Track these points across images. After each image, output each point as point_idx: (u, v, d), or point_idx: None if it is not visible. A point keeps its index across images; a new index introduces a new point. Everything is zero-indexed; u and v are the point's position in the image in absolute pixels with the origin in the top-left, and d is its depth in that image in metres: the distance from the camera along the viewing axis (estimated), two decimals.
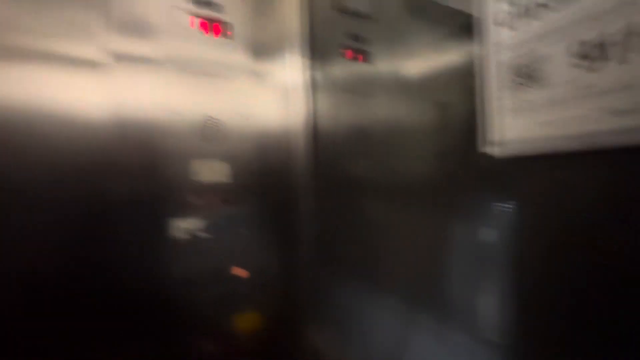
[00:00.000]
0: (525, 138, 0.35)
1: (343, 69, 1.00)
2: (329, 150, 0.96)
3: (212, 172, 0.84)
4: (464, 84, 0.63)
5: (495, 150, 0.39)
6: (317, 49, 0.95)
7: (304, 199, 0.96)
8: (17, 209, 0.70)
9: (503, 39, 0.37)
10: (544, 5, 0.35)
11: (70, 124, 0.73)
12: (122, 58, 0.75)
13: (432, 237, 0.61)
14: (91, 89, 0.75)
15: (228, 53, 0.86)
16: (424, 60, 1.03)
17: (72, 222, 0.73)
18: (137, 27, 0.77)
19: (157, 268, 0.79)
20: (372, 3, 1.03)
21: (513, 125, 0.36)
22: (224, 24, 0.86)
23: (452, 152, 0.51)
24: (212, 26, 0.84)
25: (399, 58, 1.09)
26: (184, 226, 0.81)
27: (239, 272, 0.89)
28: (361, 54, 1.01)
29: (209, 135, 0.84)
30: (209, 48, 0.84)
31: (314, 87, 0.94)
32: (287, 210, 0.96)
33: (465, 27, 0.57)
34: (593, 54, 0.30)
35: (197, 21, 0.82)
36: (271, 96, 0.94)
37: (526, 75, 0.35)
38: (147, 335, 0.80)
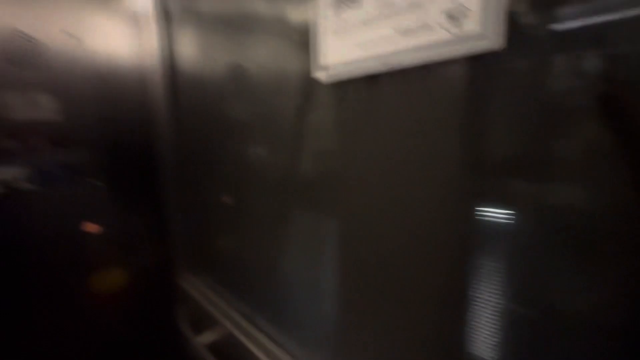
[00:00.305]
0: (344, 61, 0.35)
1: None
2: (192, 89, 0.86)
3: (30, 107, 0.66)
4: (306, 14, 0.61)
5: (322, 75, 0.38)
6: None
7: (164, 142, 0.85)
8: None
9: None
10: None
11: None
12: None
13: (291, 168, 0.61)
14: None
15: None
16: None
17: None
18: None
19: None
20: None
21: (335, 48, 0.36)
22: None
23: (298, 84, 0.49)
24: None
25: None
26: (4, 176, 0.63)
27: (90, 227, 0.77)
28: None
29: (19, 58, 0.64)
30: None
31: (167, 16, 0.80)
32: (146, 155, 0.85)
33: None
34: None
35: None
36: (115, 21, 0.77)
37: None
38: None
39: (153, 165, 0.86)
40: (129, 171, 0.82)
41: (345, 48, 0.35)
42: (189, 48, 0.84)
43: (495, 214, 0.30)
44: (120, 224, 0.82)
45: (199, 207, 0.87)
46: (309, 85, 0.44)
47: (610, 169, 0.25)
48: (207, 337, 0.75)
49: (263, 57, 0.65)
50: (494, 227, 0.30)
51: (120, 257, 0.83)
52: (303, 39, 0.44)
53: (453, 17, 0.27)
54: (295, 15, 0.49)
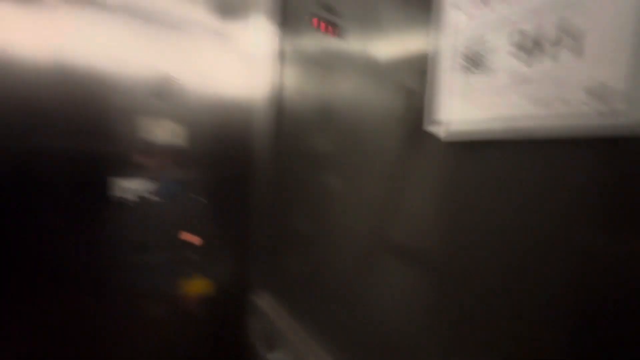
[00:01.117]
0: (466, 121, 0.37)
1: (312, 40, 0.98)
2: (291, 122, 0.95)
3: (164, 132, 0.80)
4: (421, 66, 0.64)
5: (439, 131, 0.40)
6: (288, 17, 0.91)
7: (261, 168, 0.95)
8: None
9: (457, 23, 0.38)
10: None
11: (4, 65, 0.64)
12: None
13: (381, 211, 0.63)
14: (31, 28, 0.66)
15: (190, 7, 0.80)
16: (389, 39, 1.03)
17: (7, 174, 0.66)
18: None
19: (100, 231, 0.75)
20: None
21: (456, 107, 0.38)
22: None
23: (403, 131, 0.52)
24: None
25: (368, 34, 1.07)
26: (132, 187, 0.77)
27: (191, 238, 0.88)
28: (332, 26, 0.99)
29: (163, 93, 0.79)
30: (173, 3, 0.78)
31: (281, 56, 0.91)
32: (243, 178, 0.95)
33: (424, 8, 0.57)
34: (529, 45, 0.32)
35: None
36: (236, 61, 0.90)
37: (473, 60, 0.36)
38: (90, 298, 0.77)
39: (247, 187, 0.96)
40: (227, 191, 0.93)
41: (467, 109, 0.37)
42: (293, 84, 0.94)
43: None
44: (211, 237, 0.92)
45: (283, 229, 0.93)
46: (416, 136, 0.47)
47: None
48: (278, 356, 0.78)
49: (364, 99, 0.69)
50: None
51: (206, 267, 0.93)
52: (412, 89, 0.47)
53: (595, 93, 0.28)
54: (407, 64, 0.53)
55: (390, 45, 0.72)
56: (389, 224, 0.58)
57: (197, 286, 0.91)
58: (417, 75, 0.48)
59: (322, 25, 0.96)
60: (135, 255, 0.80)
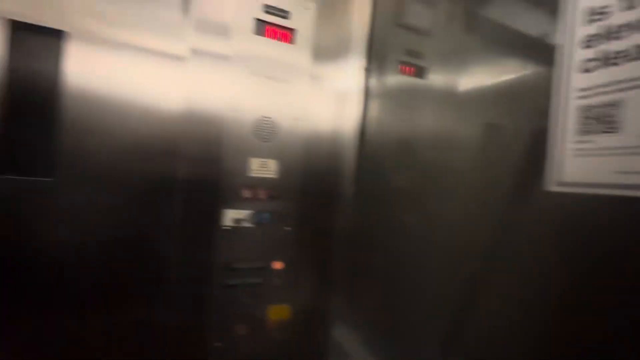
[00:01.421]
0: (593, 183, 0.36)
1: (396, 80, 1.03)
2: (374, 158, 0.99)
3: (262, 168, 0.89)
4: (521, 107, 0.63)
5: (558, 189, 0.40)
6: (374, 59, 0.98)
7: (344, 201, 0.99)
8: (98, 183, 0.79)
9: (580, 82, 0.38)
10: (625, 53, 0.36)
11: (150, 112, 0.81)
12: (198, 53, 0.83)
13: (473, 255, 0.62)
14: (169, 81, 0.83)
15: (291, 57, 0.92)
16: (479, 79, 1.03)
17: (140, 197, 0.82)
18: (212, 27, 0.84)
19: (206, 251, 0.86)
20: (433, 20, 1.04)
21: (581, 167, 0.38)
22: (290, 30, 0.91)
23: (504, 180, 0.52)
24: (279, 32, 0.90)
25: (452, 75, 1.09)
26: (233, 215, 0.87)
27: (275, 264, 0.95)
28: (415, 68, 1.03)
29: (263, 134, 0.89)
30: (274, 51, 0.90)
31: (367, 94, 0.97)
32: (326, 210, 1.00)
33: (539, 55, 0.58)
34: None
35: (266, 26, 0.88)
36: (325, 99, 0.99)
37: (600, 119, 0.36)
38: (184, 311, 0.87)
39: (332, 219, 1.00)
40: (312, 222, 0.99)
41: (595, 170, 0.36)
42: (378, 121, 0.99)
43: None
44: (294, 265, 0.98)
45: (365, 263, 0.95)
46: (528, 191, 0.46)
47: None
48: None
49: (450, 138, 0.70)
50: None
51: (287, 293, 0.98)
52: (526, 141, 0.47)
53: None
54: (524, 116, 0.54)
55: (481, 85, 0.73)
56: (487, 269, 0.57)
57: (278, 311, 0.96)
58: (517, 118, 0.48)
59: (408, 69, 1.01)
60: (229, 277, 0.89)
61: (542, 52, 0.65)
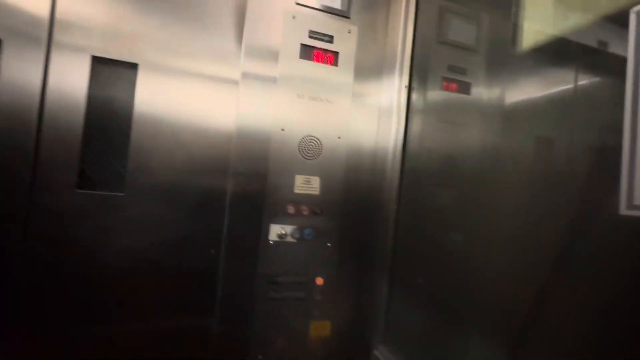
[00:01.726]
0: None
1: (439, 96, 1.02)
2: (417, 175, 0.98)
3: (306, 184, 0.92)
4: (577, 120, 0.60)
5: (630, 213, 0.37)
6: (417, 76, 0.98)
7: (386, 218, 0.99)
8: (158, 197, 0.87)
9: None
10: None
11: (204, 132, 0.88)
12: (248, 77, 0.89)
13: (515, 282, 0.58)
14: (222, 104, 0.90)
15: (334, 78, 0.95)
16: (528, 92, 0.99)
17: (194, 211, 0.88)
18: (262, 53, 0.91)
19: (252, 264, 0.89)
20: (477, 35, 1.03)
21: None
22: (334, 53, 0.95)
23: (561, 198, 0.49)
24: (323, 55, 0.94)
25: (498, 88, 1.06)
26: (278, 230, 0.90)
27: (317, 279, 0.95)
28: (459, 83, 1.02)
29: (308, 152, 0.93)
30: (319, 73, 0.94)
31: (409, 111, 0.97)
32: (368, 227, 1.00)
33: (596, 65, 0.55)
34: None
35: (311, 51, 0.93)
36: (368, 118, 1.01)
37: None
38: (229, 322, 0.90)
39: (372, 236, 1.00)
40: (354, 238, 0.99)
41: None
42: (420, 138, 0.98)
43: None
44: (336, 281, 0.98)
45: (408, 282, 0.93)
46: (591, 211, 0.44)
47: None
48: None
49: (496, 156, 0.68)
50: None
51: (329, 311, 0.98)
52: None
53: None
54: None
55: (530, 100, 0.70)
56: (542, 295, 0.54)
57: (319, 327, 0.96)
58: (572, 131, 0.46)
59: (452, 85, 1.00)
60: (273, 291, 0.91)
61: (599, 62, 0.62)
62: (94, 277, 0.83)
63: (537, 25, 1.01)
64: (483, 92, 1.06)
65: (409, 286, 0.97)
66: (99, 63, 0.86)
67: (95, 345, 0.83)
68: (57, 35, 0.81)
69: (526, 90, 0.94)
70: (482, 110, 1.06)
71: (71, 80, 0.82)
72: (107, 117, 0.85)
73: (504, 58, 1.07)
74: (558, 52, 0.78)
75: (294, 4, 0.92)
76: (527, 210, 0.66)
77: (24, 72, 0.79)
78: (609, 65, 0.57)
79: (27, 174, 0.79)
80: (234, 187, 0.88)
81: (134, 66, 0.88)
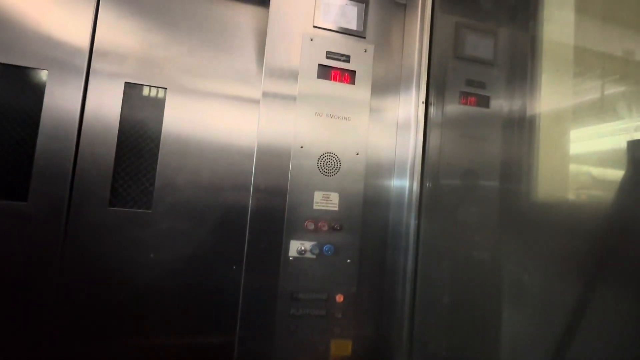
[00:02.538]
0: None
1: (458, 110, 1.02)
2: (437, 190, 0.97)
3: (325, 200, 0.93)
4: (610, 129, 0.59)
5: None
6: (434, 91, 0.99)
7: (406, 235, 0.97)
8: (183, 214, 0.90)
9: None
10: None
11: (226, 151, 0.92)
12: (268, 96, 0.93)
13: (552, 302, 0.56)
14: (243, 122, 0.94)
15: (351, 96, 0.97)
16: (551, 103, 0.97)
17: (217, 226, 0.91)
18: (281, 73, 0.94)
19: (273, 280, 0.90)
20: (494, 49, 1.03)
21: None
22: (350, 72, 0.97)
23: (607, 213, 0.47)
24: (340, 74, 0.97)
25: (520, 100, 1.05)
26: (297, 246, 0.91)
27: (338, 296, 0.94)
28: (477, 97, 1.01)
29: (327, 168, 0.94)
30: (336, 92, 0.96)
31: (427, 126, 0.97)
32: (388, 244, 0.99)
33: (624, 73, 0.54)
34: None
35: (329, 70, 0.96)
36: (385, 134, 1.01)
37: None
38: (250, 338, 0.90)
39: (393, 252, 0.99)
40: (374, 255, 0.98)
41: None
42: (438, 152, 0.97)
43: None
44: (356, 298, 0.96)
45: (431, 300, 0.90)
46: None
47: None
48: None
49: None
50: None
51: (351, 329, 0.96)
52: None
53: None
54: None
55: (554, 110, 0.69)
56: (576, 319, 0.51)
57: (340, 346, 0.94)
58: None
59: (470, 99, 1.00)
60: (293, 307, 0.91)
61: (625, 70, 0.61)
62: (122, 290, 0.86)
63: (557, 36, 1.00)
64: (504, 104, 1.04)
65: (433, 304, 0.94)
66: (131, 88, 0.93)
67: (115, 357, 0.86)
68: (95, 64, 0.89)
69: (550, 100, 0.92)
70: (504, 123, 1.04)
71: (106, 104, 0.88)
72: (138, 137, 0.91)
73: (526, 69, 1.05)
74: (581, 61, 0.77)
75: (312, 27, 0.96)
76: (564, 227, 0.64)
77: (65, 98, 0.86)
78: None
79: (65, 193, 0.84)
80: (255, 203, 0.90)
81: (163, 90, 0.93)
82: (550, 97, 0.97)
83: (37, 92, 0.85)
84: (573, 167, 0.80)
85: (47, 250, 0.83)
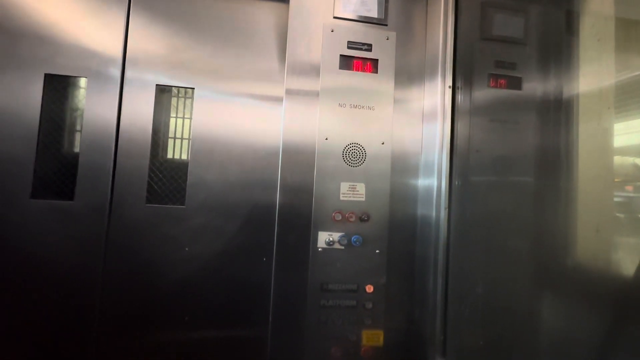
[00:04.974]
0: None
1: (487, 94, 0.98)
2: (467, 178, 0.94)
3: (352, 191, 0.93)
4: None
5: None
6: (461, 76, 0.95)
7: (435, 225, 0.95)
8: (214, 210, 0.94)
9: None
10: None
11: (252, 148, 0.95)
12: (292, 93, 0.94)
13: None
14: (269, 120, 0.96)
15: (374, 85, 0.96)
16: (590, 81, 0.91)
17: (246, 222, 0.94)
18: (303, 68, 0.95)
19: (302, 272, 0.91)
20: (525, 27, 0.98)
21: None
22: (373, 60, 0.96)
23: None
24: (363, 64, 0.96)
25: (555, 81, 0.98)
26: (325, 238, 0.91)
27: (368, 287, 0.94)
28: (508, 79, 0.97)
29: (352, 159, 0.94)
30: (359, 82, 0.96)
31: (454, 112, 0.94)
32: (417, 234, 0.97)
33: None
34: None
35: (351, 60, 0.95)
36: (411, 122, 0.99)
37: None
38: (280, 330, 0.92)
39: (423, 242, 0.97)
40: (403, 245, 0.97)
41: None
42: (467, 140, 0.94)
43: None
44: (386, 289, 0.96)
45: (462, 290, 0.88)
46: None
47: None
48: None
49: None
50: None
51: (382, 320, 0.95)
52: None
53: None
54: None
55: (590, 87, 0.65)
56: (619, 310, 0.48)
57: (372, 337, 0.94)
58: None
59: (500, 82, 0.95)
60: (324, 298, 0.92)
61: None
62: (161, 284, 0.91)
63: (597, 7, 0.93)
64: (538, 85, 0.99)
65: (467, 296, 0.91)
66: (161, 91, 0.97)
67: (149, 350, 0.91)
68: (128, 71, 0.94)
69: (588, 79, 0.86)
70: (538, 105, 0.98)
71: (140, 108, 0.93)
72: (169, 137, 0.95)
73: (561, 47, 0.99)
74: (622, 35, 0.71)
75: (332, 18, 0.96)
76: (602, 212, 0.60)
77: (103, 105, 0.92)
78: None
79: (106, 192, 0.90)
80: (282, 197, 0.92)
81: (190, 90, 0.97)
82: (590, 76, 0.91)
83: (78, 100, 0.91)
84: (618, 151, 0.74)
85: (92, 245, 0.89)
